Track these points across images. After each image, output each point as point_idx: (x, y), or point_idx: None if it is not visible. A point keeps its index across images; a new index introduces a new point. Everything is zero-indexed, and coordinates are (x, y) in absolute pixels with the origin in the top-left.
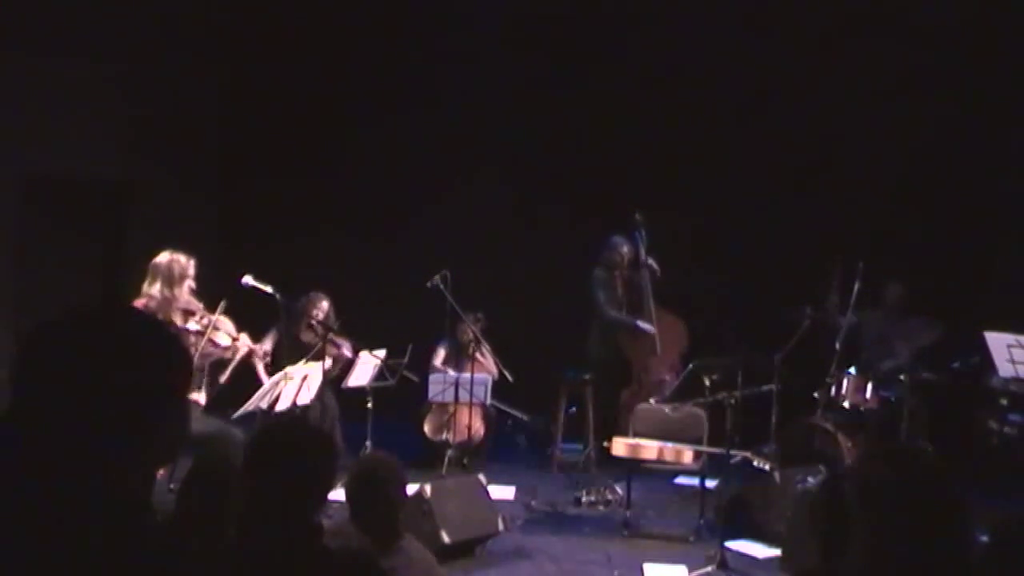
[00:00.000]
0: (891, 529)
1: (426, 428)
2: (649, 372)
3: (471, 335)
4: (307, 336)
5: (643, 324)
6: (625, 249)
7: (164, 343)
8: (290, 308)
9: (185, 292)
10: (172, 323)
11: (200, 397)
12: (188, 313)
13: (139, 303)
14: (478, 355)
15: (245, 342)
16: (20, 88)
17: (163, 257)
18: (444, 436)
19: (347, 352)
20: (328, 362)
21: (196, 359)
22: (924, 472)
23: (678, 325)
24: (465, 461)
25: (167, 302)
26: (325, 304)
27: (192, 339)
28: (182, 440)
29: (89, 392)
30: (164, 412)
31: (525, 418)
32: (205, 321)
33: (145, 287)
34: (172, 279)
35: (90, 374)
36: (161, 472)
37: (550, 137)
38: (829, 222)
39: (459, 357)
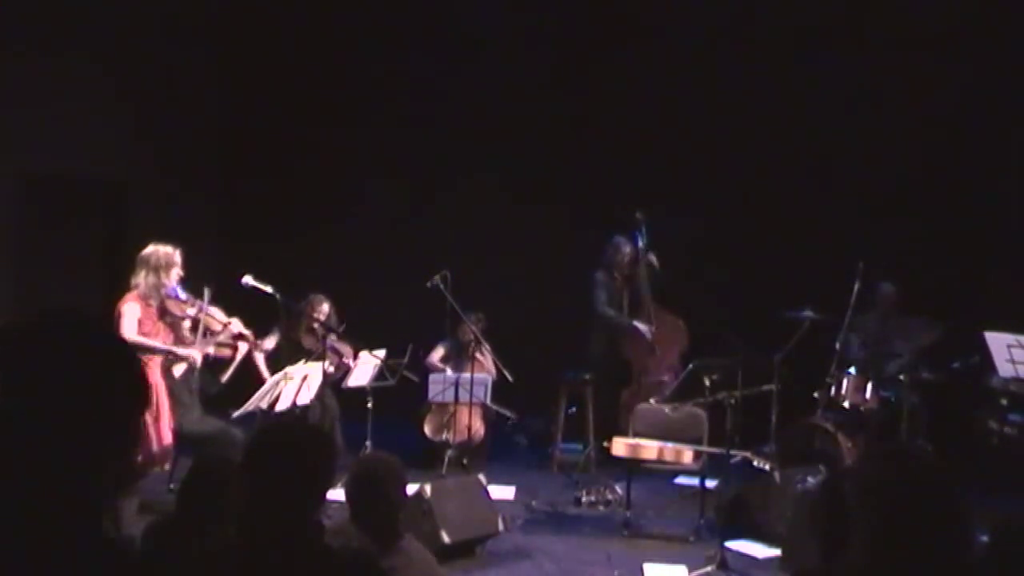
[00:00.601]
0: (891, 529)
1: (426, 428)
2: (649, 372)
3: (472, 335)
4: (308, 341)
5: (640, 325)
6: (627, 249)
7: (120, 359)
8: (290, 308)
9: (173, 280)
10: (167, 311)
11: (202, 350)
12: (180, 302)
13: (129, 296)
14: (478, 355)
15: (238, 327)
16: (20, 87)
17: (147, 249)
18: (444, 436)
19: (349, 361)
20: (330, 368)
21: (196, 347)
22: (924, 472)
23: (679, 325)
24: (465, 461)
25: (154, 288)
26: (325, 307)
27: (188, 331)
28: (132, 466)
29: (38, 403)
30: (114, 431)
31: (511, 415)
32: (196, 308)
33: (132, 279)
34: (158, 267)
35: (40, 384)
36: (162, 470)
37: (550, 137)
38: (829, 222)
39: (459, 357)
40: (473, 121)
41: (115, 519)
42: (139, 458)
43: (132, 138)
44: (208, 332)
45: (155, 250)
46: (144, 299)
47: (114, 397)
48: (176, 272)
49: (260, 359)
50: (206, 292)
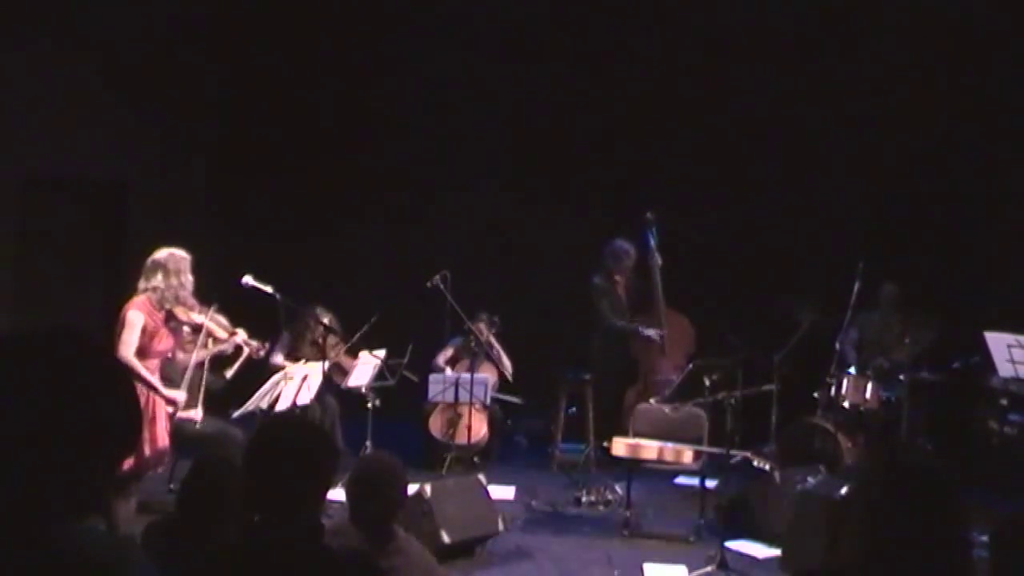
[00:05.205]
0: (891, 529)
1: (431, 427)
2: (656, 372)
3: (483, 335)
4: (312, 354)
5: (645, 331)
6: (631, 253)
7: (111, 381)
8: (290, 309)
9: (188, 285)
10: (174, 316)
11: (197, 414)
12: (188, 309)
13: (137, 300)
14: (491, 355)
15: (242, 337)
16: (20, 87)
17: (162, 253)
18: (449, 436)
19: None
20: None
21: (195, 354)
22: (924, 473)
23: (687, 326)
24: (476, 459)
25: (174, 291)
26: (326, 320)
27: (187, 334)
28: (106, 488)
29: (14, 420)
30: (94, 454)
31: (519, 400)
32: (201, 318)
33: (142, 283)
34: (179, 271)
35: (16, 402)
36: (160, 471)
37: (550, 136)
38: (830, 222)
39: (475, 357)
40: (475, 121)
41: (110, 520)
42: (132, 462)
43: (132, 138)
44: (211, 339)
45: (172, 254)
46: (155, 304)
47: (101, 418)
48: (189, 277)
49: (279, 357)
50: (212, 307)
